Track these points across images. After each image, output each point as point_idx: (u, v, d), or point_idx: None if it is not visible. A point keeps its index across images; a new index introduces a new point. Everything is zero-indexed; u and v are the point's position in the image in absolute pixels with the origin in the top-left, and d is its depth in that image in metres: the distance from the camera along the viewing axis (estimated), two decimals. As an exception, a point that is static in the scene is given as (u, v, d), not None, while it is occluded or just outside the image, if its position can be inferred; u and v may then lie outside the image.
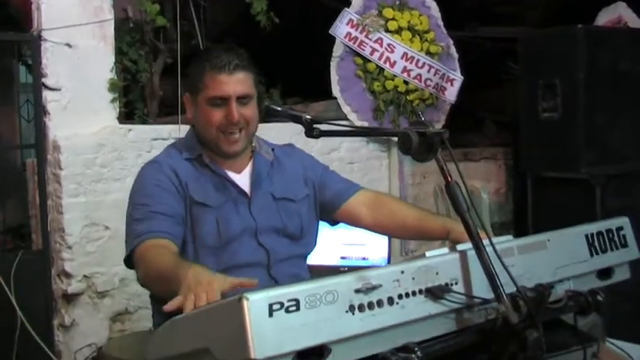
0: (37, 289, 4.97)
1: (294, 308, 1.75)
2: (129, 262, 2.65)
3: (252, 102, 2.76)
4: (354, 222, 3.04)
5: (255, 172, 2.85)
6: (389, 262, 4.53)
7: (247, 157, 2.87)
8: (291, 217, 2.86)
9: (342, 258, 4.45)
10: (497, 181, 7.16)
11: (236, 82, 2.68)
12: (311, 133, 2.51)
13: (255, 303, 1.71)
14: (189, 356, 1.92)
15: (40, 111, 5.03)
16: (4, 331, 4.79)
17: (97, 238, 5.07)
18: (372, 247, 4.56)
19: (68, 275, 5.00)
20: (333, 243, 4.30)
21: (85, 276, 5.05)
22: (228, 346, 1.75)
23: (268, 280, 2.69)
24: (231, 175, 2.79)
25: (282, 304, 1.73)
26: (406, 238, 5.54)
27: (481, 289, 2.08)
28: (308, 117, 2.54)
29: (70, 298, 5.04)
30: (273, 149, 2.98)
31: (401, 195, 6.14)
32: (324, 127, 2.54)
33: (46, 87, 4.99)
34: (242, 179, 2.82)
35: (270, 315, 1.72)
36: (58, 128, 5.02)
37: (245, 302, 1.70)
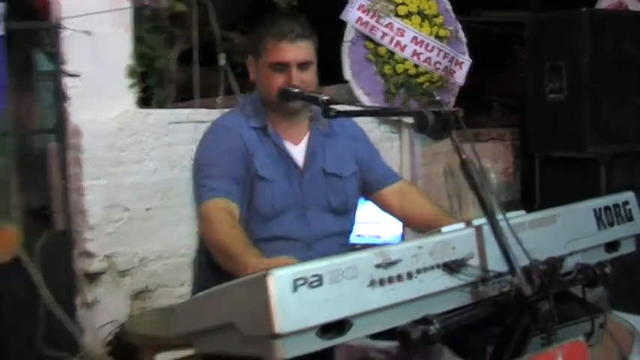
0: (60, 269, 4.99)
1: (317, 283, 1.76)
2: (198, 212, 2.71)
3: (312, 67, 2.80)
4: (384, 208, 3.07)
5: (310, 145, 2.87)
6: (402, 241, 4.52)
7: (305, 127, 2.89)
8: (338, 193, 2.87)
9: (357, 236, 4.45)
10: (504, 161, 7.14)
11: (297, 49, 2.72)
12: (328, 113, 2.53)
13: (280, 279, 1.71)
14: (213, 331, 1.93)
15: (60, 97, 5.04)
16: (30, 309, 4.81)
17: (117, 219, 5.08)
18: (386, 225, 4.56)
19: (90, 255, 5.02)
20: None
21: (106, 256, 5.07)
22: (253, 321, 1.76)
23: (308, 257, 2.66)
24: (290, 147, 2.81)
25: (305, 280, 1.75)
26: (422, 232, 5.55)
27: (495, 262, 2.10)
28: (325, 98, 2.56)
29: (91, 277, 5.05)
30: (329, 120, 2.92)
31: (412, 175, 6.15)
32: (338, 108, 2.56)
33: (67, 74, 5.00)
34: (298, 152, 2.84)
35: (294, 290, 1.73)
36: (78, 113, 5.03)
37: (270, 278, 1.71)
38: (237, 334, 1.82)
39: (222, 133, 2.79)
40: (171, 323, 2.07)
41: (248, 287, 1.80)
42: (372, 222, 4.50)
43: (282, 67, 2.73)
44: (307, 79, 2.76)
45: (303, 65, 2.75)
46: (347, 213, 2.94)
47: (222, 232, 2.47)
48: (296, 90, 2.67)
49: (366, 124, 6.13)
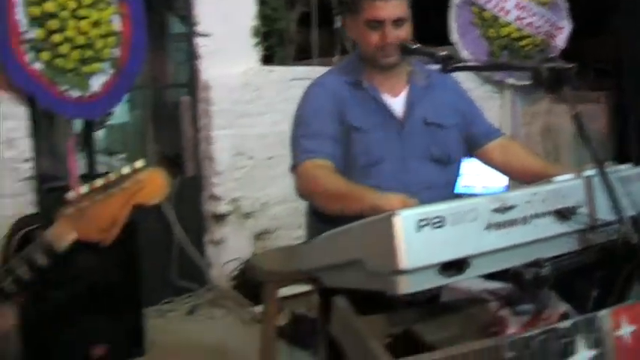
0: (191, 211, 5.16)
1: (439, 224, 1.76)
2: (294, 170, 2.66)
3: (407, 24, 2.67)
4: (488, 163, 2.93)
5: (409, 96, 2.74)
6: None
7: (403, 80, 2.76)
8: (439, 143, 2.74)
9: (464, 186, 4.38)
10: (599, 122, 6.94)
11: (391, 6, 2.62)
12: (446, 68, 2.46)
13: (406, 219, 1.72)
14: (340, 267, 1.95)
15: (192, 55, 5.17)
16: (165, 246, 5.04)
17: (242, 166, 5.20)
18: (492, 178, 4.48)
19: (217, 198, 5.18)
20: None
21: (231, 199, 5.23)
22: (380, 258, 1.78)
23: None
24: (388, 99, 2.70)
25: (429, 221, 1.75)
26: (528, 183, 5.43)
27: (603, 211, 2.08)
28: (443, 53, 2.49)
29: (218, 218, 5.22)
30: (428, 75, 2.84)
31: (513, 134, 6.05)
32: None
33: (198, 34, 5.11)
34: (397, 103, 2.72)
35: (418, 230, 1.73)
36: (208, 70, 5.16)
37: (396, 218, 1.72)
38: (362, 270, 1.84)
39: (317, 92, 2.71)
40: (300, 258, 2.09)
41: (375, 226, 1.82)
42: (479, 174, 4.42)
43: (378, 24, 2.62)
44: (402, 35, 2.63)
45: (397, 22, 2.62)
46: (449, 164, 2.77)
47: (327, 181, 2.43)
48: (415, 46, 2.61)
49: (468, 83, 6.10)
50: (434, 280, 1.81)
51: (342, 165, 2.57)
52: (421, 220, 1.73)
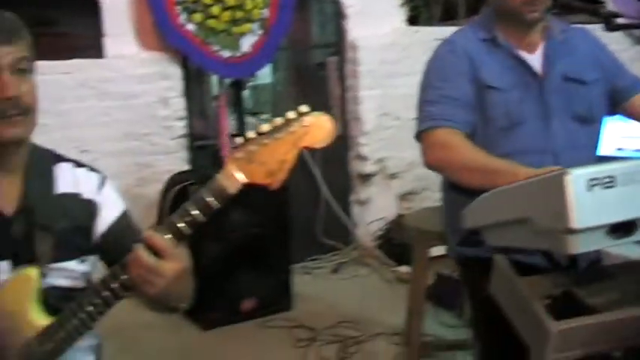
0: (337, 169, 5.13)
1: (610, 184, 1.68)
2: (419, 138, 2.43)
3: None
4: (633, 116, 2.76)
5: (547, 52, 2.50)
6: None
7: (539, 37, 2.51)
8: (581, 100, 2.51)
9: (618, 149, 4.21)
10: None
11: None
12: (610, 25, 2.34)
13: (576, 178, 1.65)
14: (506, 225, 1.90)
15: (340, 16, 5.11)
16: (313, 204, 5.04)
17: (388, 126, 5.14)
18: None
19: (364, 158, 5.13)
20: (609, 134, 4.04)
21: (377, 159, 5.15)
22: (549, 217, 1.71)
23: None
24: (525, 55, 2.47)
25: (599, 181, 1.67)
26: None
27: None
28: (606, 10, 2.36)
29: (365, 178, 5.17)
30: (564, 29, 2.57)
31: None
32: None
33: (344, -5, 5.09)
34: (535, 60, 2.48)
35: (589, 190, 1.66)
36: (355, 30, 5.08)
37: (567, 177, 1.65)
38: (529, 229, 1.78)
39: (446, 51, 2.48)
40: (466, 216, 2.06)
41: (545, 185, 1.72)
42: (635, 136, 4.23)
43: None
44: None
45: None
46: (592, 122, 2.52)
47: (466, 152, 2.24)
48: (576, 2, 2.49)
49: (617, 44, 5.81)
50: (602, 242, 1.73)
51: (474, 130, 2.37)
52: (592, 180, 1.64)
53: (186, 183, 4.08)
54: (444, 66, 2.43)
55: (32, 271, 1.59)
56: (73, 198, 1.70)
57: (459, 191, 2.27)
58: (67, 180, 1.71)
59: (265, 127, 1.44)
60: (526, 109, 2.41)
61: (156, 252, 1.46)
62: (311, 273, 4.91)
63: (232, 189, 1.45)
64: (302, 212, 4.81)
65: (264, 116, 6.07)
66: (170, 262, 1.47)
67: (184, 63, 4.65)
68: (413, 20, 5.59)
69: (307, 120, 1.44)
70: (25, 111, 1.56)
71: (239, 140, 1.46)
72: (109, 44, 4.49)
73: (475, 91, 2.37)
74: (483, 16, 2.55)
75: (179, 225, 1.47)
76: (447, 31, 5.22)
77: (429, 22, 5.76)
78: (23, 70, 1.56)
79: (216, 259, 3.97)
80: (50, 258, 1.62)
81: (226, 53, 4.54)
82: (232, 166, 1.44)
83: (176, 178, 4.26)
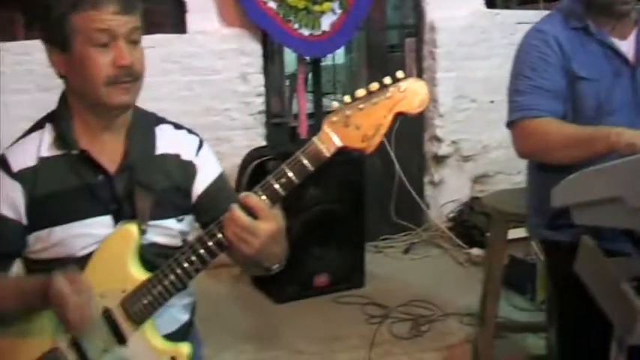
0: (412, 150, 5.14)
1: None
2: (510, 127, 2.46)
3: None
4: None
5: (639, 40, 2.45)
6: None
7: (630, 25, 2.46)
8: None
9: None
10: None
11: None
12: None
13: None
14: (597, 203, 1.89)
15: (419, -3, 5.08)
16: (387, 182, 5.05)
17: (464, 109, 5.12)
18: None
19: (438, 140, 5.12)
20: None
21: (452, 141, 5.14)
22: (642, 196, 1.72)
23: None
24: (617, 42, 2.42)
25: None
26: None
27: None
28: None
29: (439, 160, 5.18)
30: None
31: None
32: None
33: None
34: (627, 46, 2.44)
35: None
36: (434, 12, 5.06)
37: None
38: (621, 208, 1.79)
39: (537, 40, 2.42)
40: (554, 195, 2.05)
41: (638, 165, 1.76)
42: None
43: None
44: None
45: None
46: None
47: (556, 133, 2.27)
48: None
49: None
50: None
51: (564, 120, 2.37)
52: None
53: (264, 158, 4.14)
54: (534, 56, 2.41)
55: (133, 227, 1.66)
56: (173, 159, 1.77)
57: (550, 171, 2.29)
58: (167, 141, 1.78)
59: (361, 92, 1.47)
60: (617, 99, 2.39)
61: (251, 212, 1.50)
62: (382, 252, 4.93)
63: (328, 152, 1.49)
64: (376, 191, 4.84)
65: (333, 97, 6.11)
66: (265, 223, 1.50)
67: (264, 40, 4.71)
68: (491, 3, 5.55)
69: (403, 85, 1.46)
70: (135, 78, 1.66)
71: (335, 104, 1.49)
72: (191, 20, 4.58)
73: (566, 82, 2.37)
74: (572, 3, 2.48)
75: (275, 186, 1.51)
76: (527, 14, 5.24)
77: (507, 5, 5.72)
78: (135, 41, 1.65)
79: (292, 233, 4.02)
80: (150, 215, 1.69)
81: (306, 31, 4.59)
82: (328, 129, 1.47)
83: (254, 154, 4.34)
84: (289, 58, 5.07)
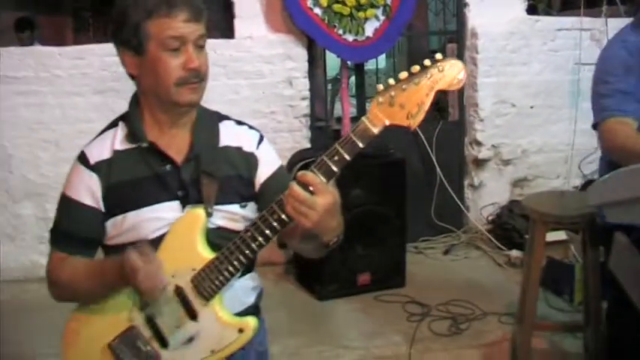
0: (452, 154, 5.24)
1: None
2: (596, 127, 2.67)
3: None
4: None
5: None
6: None
7: None
8: None
9: None
10: None
11: None
12: None
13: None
14: (629, 203, 2.01)
15: (460, 4, 5.22)
16: (428, 184, 5.16)
17: (504, 113, 5.19)
18: None
19: (479, 143, 5.22)
20: None
21: (492, 145, 5.23)
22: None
23: None
24: None
25: None
26: None
27: None
28: None
29: (479, 163, 5.27)
30: None
31: None
32: None
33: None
34: None
35: None
36: (475, 18, 5.16)
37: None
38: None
39: (620, 48, 2.66)
40: (589, 195, 2.17)
41: None
42: None
43: None
44: None
45: None
46: None
47: (624, 138, 2.46)
48: None
49: None
50: None
51: None
52: None
53: (308, 160, 4.25)
54: (616, 62, 2.61)
55: (201, 210, 1.81)
56: (235, 150, 1.91)
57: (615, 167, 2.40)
58: (229, 135, 1.93)
59: (404, 75, 1.59)
60: None
61: (308, 188, 1.61)
62: (423, 253, 5.04)
63: (376, 130, 1.61)
64: (417, 194, 4.94)
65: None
66: (322, 197, 1.61)
67: (309, 45, 4.85)
68: (532, 10, 5.63)
69: (442, 65, 1.58)
70: (202, 79, 1.82)
71: (380, 87, 1.61)
72: (239, 25, 4.73)
73: None
74: None
75: (329, 164, 1.62)
76: (567, 21, 5.30)
77: (549, 12, 5.79)
78: (202, 46, 1.82)
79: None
80: (215, 200, 1.83)
81: (350, 37, 4.71)
82: (375, 110, 1.60)
83: (299, 155, 4.48)
84: (332, 63, 5.20)
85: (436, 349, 3.67)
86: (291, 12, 4.62)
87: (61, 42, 6.83)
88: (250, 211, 1.92)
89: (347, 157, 1.61)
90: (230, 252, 1.75)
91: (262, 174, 1.94)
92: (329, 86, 5.53)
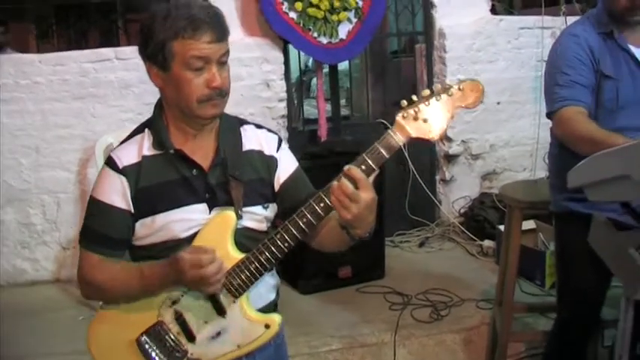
0: (424, 150, 5.48)
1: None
2: (549, 116, 2.87)
3: None
4: None
5: None
6: None
7: None
8: None
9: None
10: None
11: None
12: None
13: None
14: (607, 182, 2.23)
15: (428, 5, 5.44)
16: (401, 181, 5.39)
17: (472, 110, 5.42)
18: None
19: (449, 139, 5.45)
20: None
21: (462, 141, 5.48)
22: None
23: None
24: (634, 49, 2.84)
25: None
26: None
27: None
28: None
29: (450, 158, 5.51)
30: None
31: None
32: None
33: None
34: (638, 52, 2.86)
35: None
36: (442, 19, 5.41)
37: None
38: (629, 184, 2.13)
39: (572, 42, 2.85)
40: (569, 177, 2.39)
41: None
42: None
43: None
44: None
45: None
46: None
47: (582, 127, 2.64)
48: None
49: None
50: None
51: (593, 108, 2.77)
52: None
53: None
54: (570, 55, 2.82)
55: (231, 212, 1.93)
56: (257, 154, 2.04)
57: (572, 155, 2.63)
58: (251, 139, 2.05)
59: (426, 92, 1.77)
60: (630, 96, 2.80)
61: (354, 182, 1.74)
62: (399, 246, 5.27)
63: (401, 142, 1.78)
64: (392, 190, 5.13)
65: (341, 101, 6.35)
66: (365, 192, 1.73)
67: (285, 48, 5.04)
68: (495, 10, 5.85)
69: (463, 84, 1.77)
70: (224, 95, 1.92)
71: (404, 102, 1.78)
72: (216, 30, 4.88)
73: (594, 78, 2.79)
74: (597, 11, 2.93)
75: (369, 161, 1.75)
76: (529, 20, 5.52)
77: (510, 12, 6.03)
78: (224, 62, 1.92)
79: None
80: (242, 203, 1.96)
81: (325, 40, 4.89)
82: (400, 123, 1.77)
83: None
84: (295, 65, 5.39)
85: (419, 335, 3.88)
86: (268, 17, 4.80)
87: (24, 49, 6.83)
88: (271, 211, 2.05)
89: (374, 163, 1.76)
90: (260, 252, 1.88)
91: (282, 175, 2.05)
92: (293, 88, 5.64)
